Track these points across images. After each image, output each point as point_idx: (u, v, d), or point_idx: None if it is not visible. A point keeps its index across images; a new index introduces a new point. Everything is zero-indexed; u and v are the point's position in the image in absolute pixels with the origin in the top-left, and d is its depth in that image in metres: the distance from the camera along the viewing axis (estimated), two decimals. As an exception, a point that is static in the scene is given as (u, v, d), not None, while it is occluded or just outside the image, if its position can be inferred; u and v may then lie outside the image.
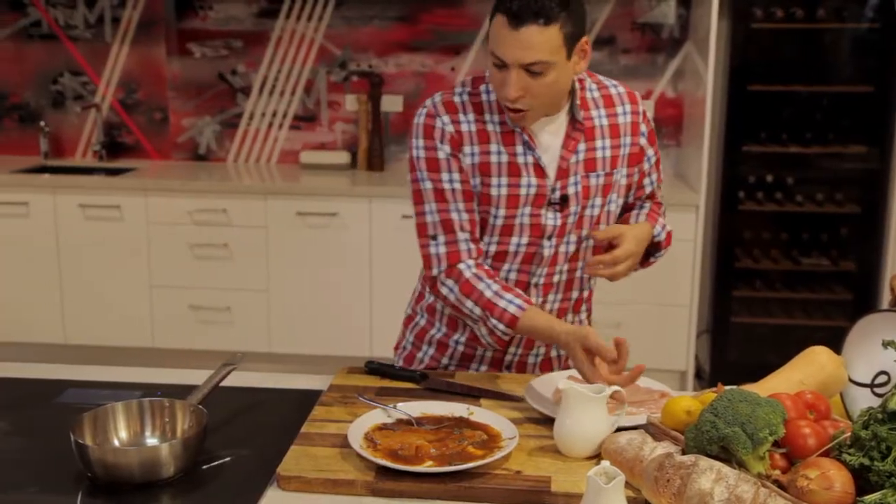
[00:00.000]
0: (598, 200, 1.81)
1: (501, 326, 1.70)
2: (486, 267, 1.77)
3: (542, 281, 1.83)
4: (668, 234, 1.91)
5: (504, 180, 1.75)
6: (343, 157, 4.29)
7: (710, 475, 1.19)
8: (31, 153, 4.51)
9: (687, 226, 3.74)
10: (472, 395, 1.68)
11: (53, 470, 1.39)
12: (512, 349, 1.88)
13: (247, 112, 4.42)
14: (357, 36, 4.29)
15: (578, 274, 1.87)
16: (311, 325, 3.98)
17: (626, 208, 1.94)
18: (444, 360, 1.90)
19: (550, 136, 1.76)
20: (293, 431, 1.52)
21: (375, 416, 1.52)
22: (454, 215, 1.75)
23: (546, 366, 1.93)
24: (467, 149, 1.75)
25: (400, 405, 1.56)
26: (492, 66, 1.66)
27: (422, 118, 1.76)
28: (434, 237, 1.76)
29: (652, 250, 1.89)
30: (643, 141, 1.86)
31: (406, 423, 1.51)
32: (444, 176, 1.74)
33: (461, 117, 1.75)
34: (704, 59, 3.74)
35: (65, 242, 4.00)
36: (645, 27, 4.16)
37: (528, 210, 1.77)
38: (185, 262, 3.97)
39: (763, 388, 1.48)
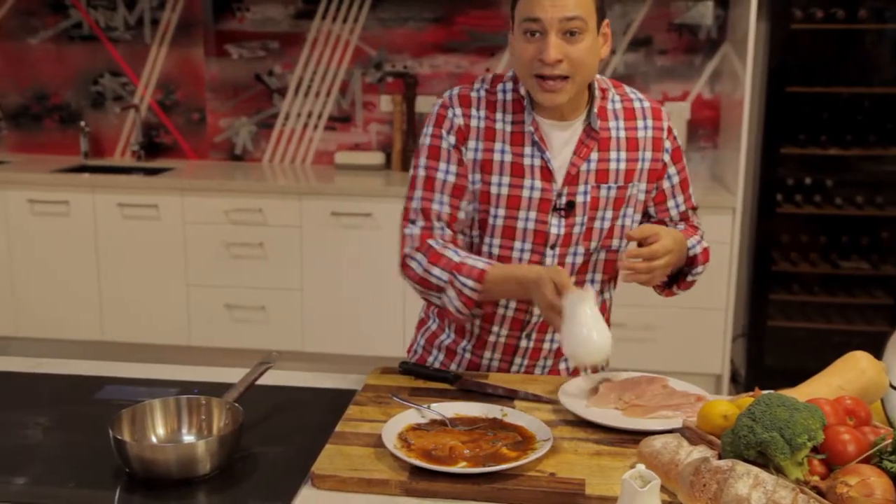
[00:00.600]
0: (609, 213, 1.79)
1: (470, 282, 1.68)
2: (451, 241, 1.76)
3: None
4: (705, 251, 1.85)
5: (506, 179, 1.75)
6: (377, 158, 4.31)
7: (748, 480, 1.18)
8: (71, 153, 4.58)
9: (723, 228, 3.70)
10: (506, 396, 1.68)
11: (92, 465, 1.41)
12: (518, 360, 1.87)
13: (282, 113, 4.45)
14: (392, 37, 4.30)
15: (589, 283, 1.84)
16: (344, 324, 4.00)
17: None
18: (453, 367, 1.90)
19: (563, 141, 1.75)
20: (327, 430, 1.52)
21: (409, 417, 1.52)
22: (436, 206, 1.76)
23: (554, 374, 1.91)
24: (472, 143, 1.76)
25: (434, 406, 1.56)
26: (522, 39, 1.66)
27: (437, 107, 1.79)
28: (413, 221, 1.78)
29: (687, 268, 1.84)
30: (666, 157, 1.82)
31: (440, 424, 1.51)
32: (442, 166, 1.76)
33: (473, 111, 1.76)
34: (742, 61, 3.70)
35: (103, 241, 4.05)
36: (682, 28, 4.13)
37: (532, 215, 1.75)
38: (221, 261, 4.01)
39: (802, 392, 1.47)
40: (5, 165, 4.30)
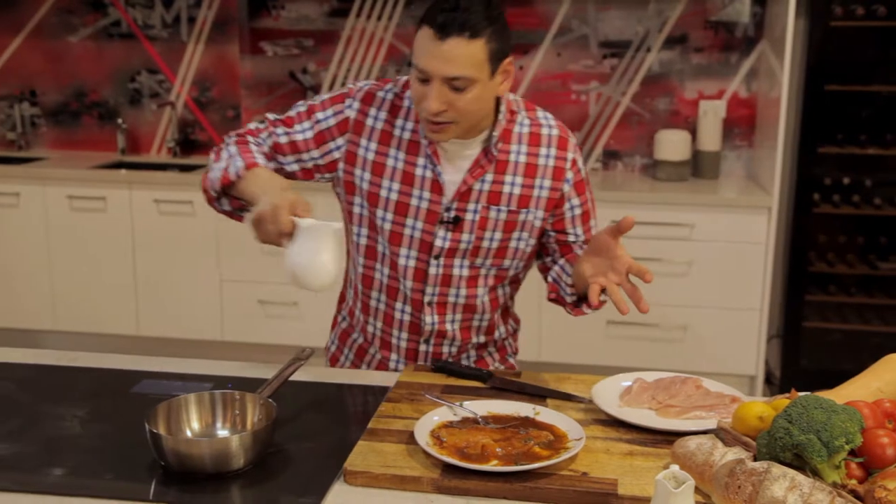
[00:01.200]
0: (499, 234, 1.78)
1: (241, 163, 1.67)
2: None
3: (435, 300, 1.82)
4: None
5: (396, 186, 1.75)
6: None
7: (784, 483, 1.17)
8: (109, 149, 4.64)
9: (758, 228, 3.67)
10: (538, 395, 1.67)
11: (128, 458, 1.42)
12: (421, 363, 1.87)
13: (316, 110, 4.47)
14: (426, 35, 4.30)
15: (481, 300, 1.84)
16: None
17: (548, 251, 1.87)
18: (363, 367, 1.94)
19: (459, 157, 1.74)
20: (360, 427, 1.53)
21: (442, 414, 1.53)
22: (278, 132, 1.77)
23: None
24: (364, 142, 1.76)
25: (466, 403, 1.56)
26: (414, 79, 1.63)
27: (344, 89, 1.79)
28: (260, 121, 1.81)
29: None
30: (566, 188, 1.80)
31: (472, 422, 1.51)
32: (305, 124, 1.77)
33: (371, 111, 1.76)
34: (780, 58, 3.65)
35: (140, 237, 4.10)
36: (718, 25, 4.09)
37: (419, 224, 1.76)
38: (255, 257, 4.04)
39: (839, 395, 1.45)
40: (45, 162, 4.37)
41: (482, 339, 1.91)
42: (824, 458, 1.22)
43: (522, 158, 1.77)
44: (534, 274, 1.95)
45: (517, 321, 2.03)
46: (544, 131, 1.79)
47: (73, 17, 4.54)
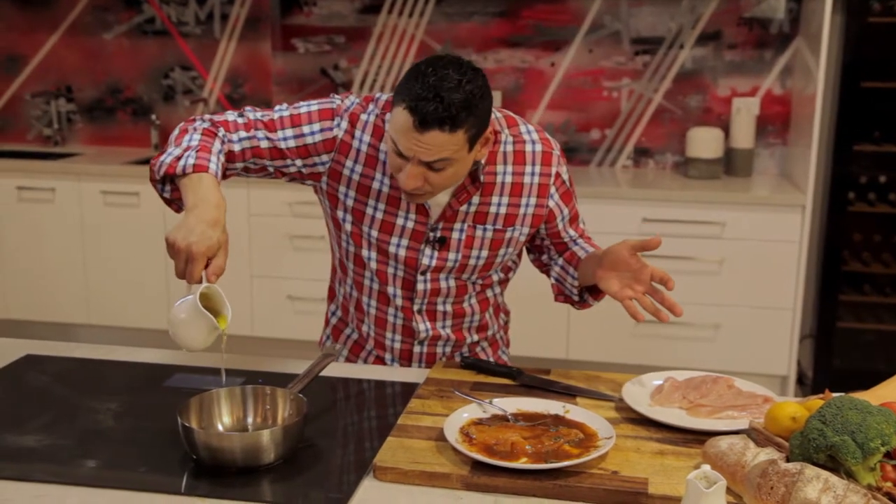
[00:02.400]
0: (485, 252, 1.78)
1: (192, 161, 1.58)
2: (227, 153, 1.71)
3: (425, 308, 1.83)
4: None
5: (381, 205, 1.75)
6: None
7: (817, 484, 1.15)
8: (142, 145, 4.69)
9: (792, 227, 3.63)
10: (568, 393, 1.67)
11: (160, 451, 1.44)
12: (415, 364, 1.90)
13: (347, 107, 4.48)
14: (457, 31, 4.30)
15: (470, 306, 1.86)
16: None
17: (543, 250, 1.90)
18: (359, 363, 1.93)
19: None
20: (389, 423, 1.53)
21: (471, 411, 1.53)
22: (259, 135, 1.72)
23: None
24: (349, 163, 1.74)
25: (496, 401, 1.56)
26: (391, 149, 1.61)
27: (331, 104, 1.75)
28: (241, 114, 1.74)
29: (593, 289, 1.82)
30: (552, 203, 1.80)
31: (501, 419, 1.50)
32: (287, 133, 1.72)
33: (357, 133, 1.73)
34: (816, 55, 3.61)
35: (172, 232, 4.14)
36: (752, 22, 4.05)
37: (405, 242, 1.76)
38: (284, 253, 4.06)
39: (874, 396, 1.43)
40: (79, 157, 4.42)
41: (475, 337, 1.92)
42: (859, 460, 1.21)
43: (508, 179, 1.76)
44: (553, 299, 1.95)
45: (507, 313, 2.04)
46: (528, 148, 1.77)
47: (109, 14, 4.59)
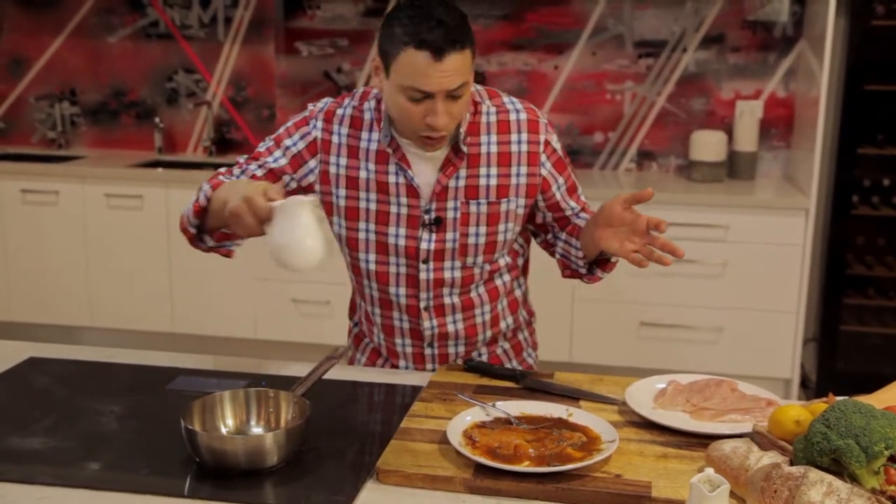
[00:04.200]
0: (483, 229, 1.77)
1: (207, 188, 1.69)
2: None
3: (431, 304, 1.82)
4: None
5: (373, 196, 1.75)
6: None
7: (821, 488, 1.15)
8: (146, 148, 4.69)
9: (795, 230, 3.62)
10: (571, 396, 1.66)
11: (164, 453, 1.44)
12: (429, 366, 1.89)
13: (351, 110, 4.49)
14: (460, 34, 4.30)
15: (477, 295, 1.84)
16: (409, 321, 4.02)
17: (547, 228, 1.88)
18: (398, 341, 1.91)
19: (428, 159, 1.73)
20: (392, 426, 1.53)
21: (474, 414, 1.52)
22: (251, 165, 1.78)
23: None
24: (333, 158, 1.76)
25: (499, 404, 1.56)
26: (404, 99, 1.61)
27: (305, 113, 1.81)
28: (226, 168, 1.81)
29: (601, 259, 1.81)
30: (545, 171, 1.79)
31: (505, 422, 1.50)
32: (276, 153, 1.78)
33: (335, 128, 1.76)
34: (819, 58, 3.61)
35: (175, 235, 4.14)
36: (756, 25, 4.04)
37: (402, 231, 1.76)
38: (289, 256, 4.05)
39: (878, 399, 1.43)
40: (83, 160, 4.43)
41: (488, 333, 1.89)
42: (863, 464, 1.20)
43: (494, 149, 1.76)
44: (560, 275, 1.93)
45: (531, 313, 2.01)
46: (512, 117, 1.78)
47: (113, 17, 4.60)
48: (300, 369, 1.77)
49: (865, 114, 3.76)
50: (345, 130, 1.77)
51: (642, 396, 1.63)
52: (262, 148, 1.81)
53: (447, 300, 1.83)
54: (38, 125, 4.80)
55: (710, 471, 1.17)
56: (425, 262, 1.78)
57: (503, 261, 1.86)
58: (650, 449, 1.46)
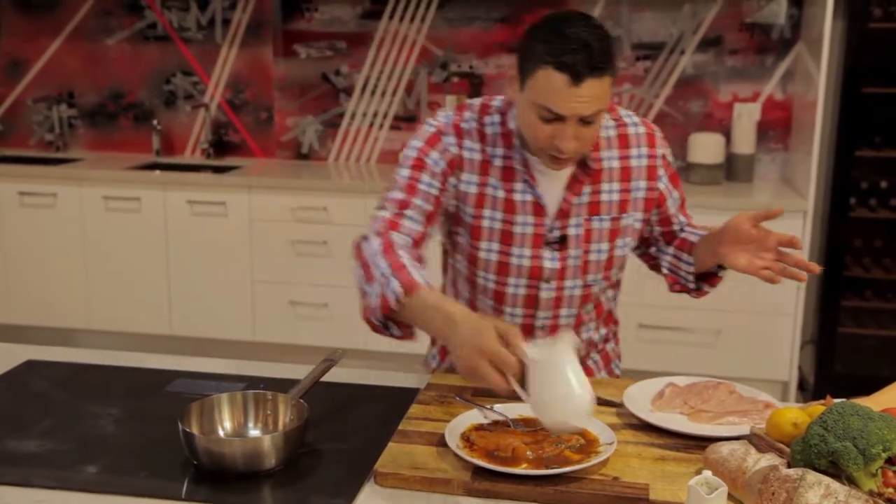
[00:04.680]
0: (605, 245, 1.75)
1: (398, 288, 1.49)
2: (415, 252, 1.64)
3: (547, 324, 1.79)
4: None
5: (498, 215, 1.71)
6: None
7: (819, 490, 1.15)
8: (144, 151, 4.69)
9: (793, 232, 3.56)
10: (569, 398, 1.66)
11: (161, 456, 1.44)
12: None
13: (348, 112, 4.49)
14: (459, 37, 4.31)
15: (589, 314, 1.82)
16: (407, 323, 4.01)
17: (651, 241, 1.86)
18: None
19: (553, 176, 1.70)
20: (390, 428, 1.53)
21: (472, 417, 1.52)
22: (416, 201, 1.67)
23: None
24: (466, 176, 1.71)
25: (497, 406, 1.56)
26: (535, 117, 1.57)
27: (431, 128, 1.72)
28: (385, 208, 1.69)
29: (717, 267, 1.78)
30: (662, 185, 1.78)
31: (503, 425, 1.50)
32: (425, 178, 1.69)
33: (466, 143, 1.71)
34: (817, 61, 3.61)
35: (173, 237, 4.14)
36: (753, 27, 4.05)
37: (526, 251, 1.72)
38: (286, 258, 4.06)
39: (876, 402, 1.43)
40: (81, 163, 4.43)
41: (582, 350, 1.86)
42: (860, 466, 1.21)
43: (616, 164, 1.73)
44: (668, 290, 1.90)
45: (616, 322, 1.99)
46: (631, 131, 1.76)
47: (111, 19, 4.60)
48: (298, 372, 1.76)
49: (863, 116, 3.76)
50: (476, 146, 1.71)
51: (640, 399, 1.63)
52: (403, 179, 1.69)
53: (562, 321, 1.80)
54: (36, 127, 4.80)
55: (707, 473, 1.17)
56: (547, 281, 1.75)
57: (614, 277, 1.83)
58: (648, 451, 1.46)
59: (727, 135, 4.05)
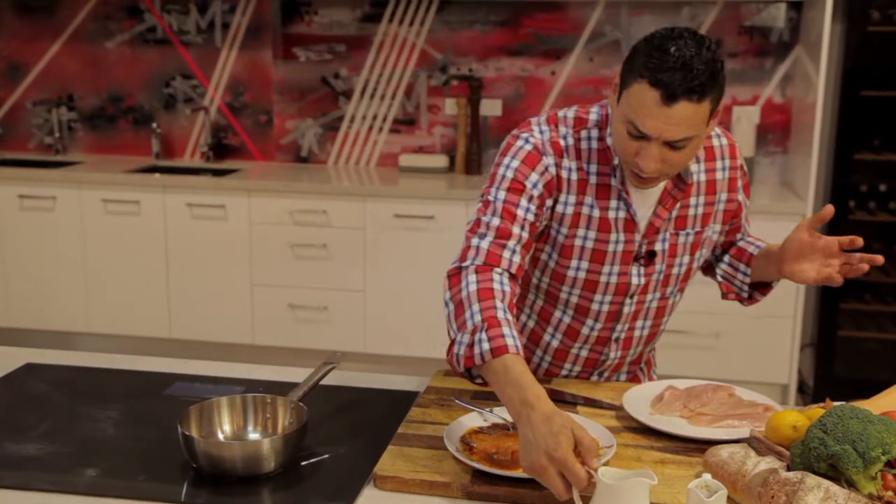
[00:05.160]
0: (686, 258, 1.74)
1: (486, 346, 1.40)
2: (511, 291, 1.54)
3: (623, 335, 1.79)
4: None
5: (592, 234, 1.66)
6: (441, 161, 4.32)
7: (818, 493, 1.15)
8: (143, 153, 4.70)
9: (793, 235, 3.62)
10: (569, 402, 1.66)
11: (161, 459, 1.44)
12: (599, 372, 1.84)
13: (348, 115, 4.50)
14: (458, 40, 4.31)
15: (662, 325, 1.83)
16: (406, 326, 4.02)
17: (713, 249, 1.86)
18: (566, 367, 1.84)
19: (647, 191, 1.65)
20: (390, 431, 1.53)
21: (471, 420, 1.52)
22: (515, 229, 1.58)
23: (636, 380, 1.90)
24: (563, 197, 1.64)
25: (496, 409, 1.56)
26: (623, 131, 1.51)
27: (528, 145, 1.63)
28: (483, 235, 1.58)
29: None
30: (741, 196, 1.77)
31: (502, 428, 1.50)
32: (523, 203, 1.60)
33: (564, 162, 1.63)
34: (816, 64, 3.61)
35: (172, 240, 4.14)
36: (753, 30, 4.06)
37: (615, 269, 1.69)
38: (286, 261, 4.06)
39: (875, 405, 1.43)
40: (81, 166, 4.43)
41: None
42: (860, 469, 1.20)
43: (703, 177, 1.70)
44: (721, 297, 1.92)
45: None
46: (715, 143, 1.72)
47: (110, 23, 4.60)
48: (298, 375, 1.76)
49: (862, 119, 3.77)
50: (573, 164, 1.64)
51: (640, 402, 1.63)
52: (498, 202, 1.59)
53: (637, 333, 1.79)
54: (36, 131, 4.80)
55: (707, 476, 1.17)
56: (632, 296, 1.73)
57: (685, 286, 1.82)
58: (648, 454, 1.46)
59: (726, 138, 4.05)
